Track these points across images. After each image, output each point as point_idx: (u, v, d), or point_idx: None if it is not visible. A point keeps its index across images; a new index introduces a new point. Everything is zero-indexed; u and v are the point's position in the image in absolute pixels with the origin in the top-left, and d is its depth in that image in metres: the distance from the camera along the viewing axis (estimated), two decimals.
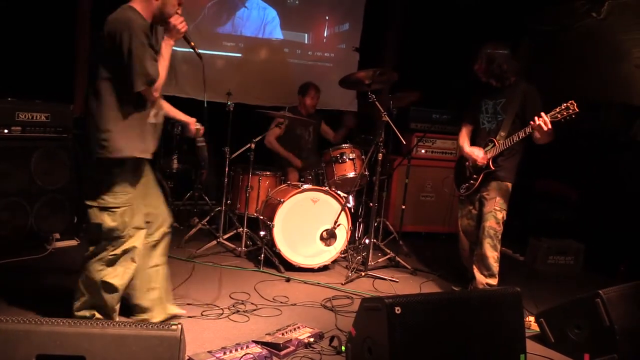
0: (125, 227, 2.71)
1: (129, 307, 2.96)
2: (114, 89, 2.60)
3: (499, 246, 3.62)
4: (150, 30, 2.68)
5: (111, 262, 2.72)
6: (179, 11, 2.74)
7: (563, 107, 3.21)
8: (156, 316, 2.96)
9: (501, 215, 3.59)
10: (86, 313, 2.75)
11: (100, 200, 2.68)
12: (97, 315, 2.76)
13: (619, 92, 5.25)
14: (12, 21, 4.71)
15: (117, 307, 2.81)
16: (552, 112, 3.26)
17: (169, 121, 5.32)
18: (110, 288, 2.73)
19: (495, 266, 3.60)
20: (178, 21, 2.71)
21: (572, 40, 5.73)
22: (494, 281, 3.62)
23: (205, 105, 3.31)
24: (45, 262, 3.78)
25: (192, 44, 2.95)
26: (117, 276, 2.74)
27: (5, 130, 3.72)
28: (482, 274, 3.65)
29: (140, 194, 2.83)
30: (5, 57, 4.68)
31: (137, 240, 2.78)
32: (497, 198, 3.60)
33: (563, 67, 5.84)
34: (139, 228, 2.79)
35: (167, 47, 2.73)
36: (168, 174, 5.31)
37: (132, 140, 2.67)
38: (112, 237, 2.70)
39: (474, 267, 3.69)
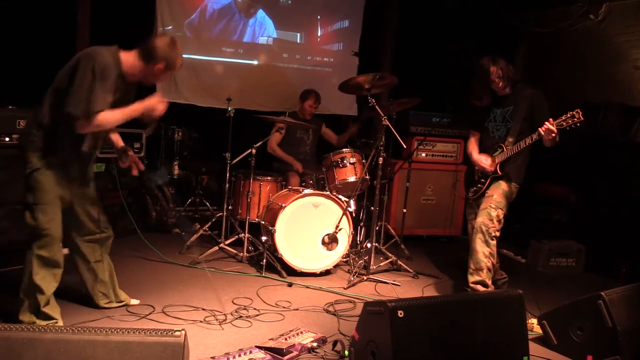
0: (45, 225, 2.76)
1: (88, 297, 3.16)
2: (58, 106, 2.70)
3: (491, 242, 3.63)
4: (122, 79, 2.80)
5: (38, 263, 2.78)
6: (166, 79, 2.94)
7: (569, 115, 3.29)
8: (105, 302, 3.17)
9: (496, 213, 3.62)
10: (25, 318, 2.80)
11: (26, 199, 2.77)
12: (36, 320, 2.82)
13: (617, 93, 5.27)
14: (10, 29, 4.74)
15: (54, 311, 2.87)
16: (558, 120, 3.34)
17: (169, 127, 5.40)
18: (38, 289, 2.79)
19: (484, 262, 3.62)
20: (158, 108, 2.85)
21: (570, 42, 5.75)
22: (481, 277, 3.63)
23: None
24: None
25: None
26: (44, 278, 2.79)
27: (7, 139, 3.73)
28: (469, 267, 3.69)
29: (73, 195, 2.91)
30: (4, 65, 4.70)
31: (56, 245, 2.83)
32: (495, 196, 3.65)
33: (561, 69, 5.86)
34: (60, 232, 2.84)
35: (134, 110, 2.81)
36: (169, 180, 5.33)
37: (56, 147, 2.76)
38: (35, 234, 2.77)
39: None
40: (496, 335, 2.54)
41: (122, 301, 3.25)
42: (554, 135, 3.34)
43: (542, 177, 5.54)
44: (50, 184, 2.78)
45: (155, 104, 2.86)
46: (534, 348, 3.03)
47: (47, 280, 2.82)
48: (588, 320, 2.96)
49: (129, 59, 2.82)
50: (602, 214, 5.00)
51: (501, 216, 3.64)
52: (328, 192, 4.29)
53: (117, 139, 3.18)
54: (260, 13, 5.85)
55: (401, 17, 6.24)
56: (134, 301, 3.31)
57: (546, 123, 3.37)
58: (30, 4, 4.79)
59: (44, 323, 2.80)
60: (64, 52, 4.94)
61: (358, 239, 4.73)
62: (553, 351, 3.11)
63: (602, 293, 2.91)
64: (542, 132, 3.37)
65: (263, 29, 5.88)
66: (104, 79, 2.67)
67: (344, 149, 4.59)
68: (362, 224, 4.78)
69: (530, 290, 3.87)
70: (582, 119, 3.23)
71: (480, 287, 3.62)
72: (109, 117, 2.73)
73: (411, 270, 4.40)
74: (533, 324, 3.33)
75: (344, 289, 3.92)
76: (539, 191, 5.59)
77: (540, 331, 3.24)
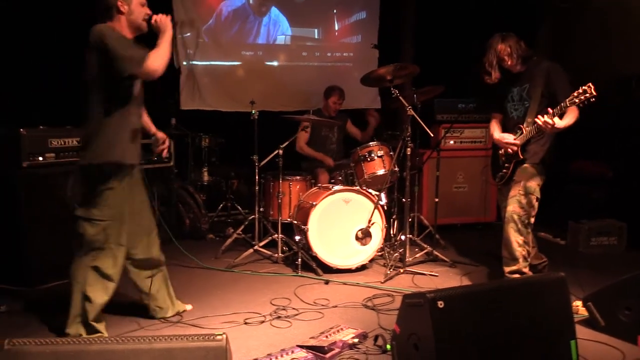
0: (107, 240, 2.82)
1: (145, 307, 3.20)
2: (100, 99, 2.77)
3: (524, 230, 3.53)
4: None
5: (92, 275, 2.83)
6: (148, 11, 2.87)
7: (581, 91, 3.11)
8: (164, 313, 3.21)
9: (526, 199, 3.51)
10: (72, 331, 2.84)
11: (86, 211, 2.80)
12: (83, 333, 2.85)
13: None
14: (38, 52, 4.86)
15: (100, 325, 2.90)
16: (570, 97, 3.18)
17: (196, 135, 5.45)
18: (89, 299, 2.83)
19: (519, 250, 3.53)
20: (157, 19, 2.82)
21: (595, 14, 5.59)
22: (517, 266, 3.55)
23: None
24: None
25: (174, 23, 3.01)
26: (96, 290, 2.84)
27: (40, 158, 3.81)
28: (504, 257, 3.61)
29: (128, 210, 2.93)
30: (33, 86, 4.82)
31: (119, 256, 2.89)
32: (522, 182, 3.53)
33: (588, 43, 5.70)
34: (120, 245, 2.89)
35: (163, 40, 2.80)
36: (199, 186, 5.39)
37: (112, 146, 2.81)
38: (93, 248, 2.81)
39: None
40: (540, 321, 2.48)
41: (178, 310, 3.28)
42: (550, 127, 3.22)
43: (577, 155, 5.42)
44: (118, 201, 2.85)
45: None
46: (581, 331, 2.95)
47: (99, 293, 2.86)
48: (635, 299, 2.87)
49: (113, 24, 2.81)
50: None
51: (533, 201, 3.53)
52: (358, 187, 4.27)
53: (148, 124, 3.22)
54: (274, 11, 5.86)
55: (418, 5, 6.17)
56: (187, 307, 3.35)
57: (538, 117, 3.25)
58: (58, 29, 4.91)
59: (91, 336, 2.85)
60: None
61: (392, 232, 4.70)
62: (601, 333, 3.02)
63: None
64: (539, 124, 3.26)
65: (277, 27, 5.89)
66: (119, 37, 2.75)
67: (370, 143, 4.56)
68: (394, 216, 4.74)
69: (573, 272, 3.77)
70: (594, 93, 3.05)
71: (517, 276, 3.54)
72: (158, 56, 2.73)
73: (448, 260, 4.35)
74: (578, 306, 3.24)
75: (381, 283, 3.90)
76: (575, 170, 5.47)
77: (586, 313, 3.15)
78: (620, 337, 2.94)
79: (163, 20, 2.83)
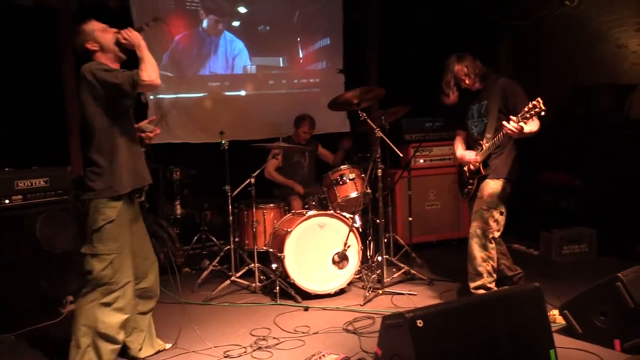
0: (114, 274, 2.80)
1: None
2: (96, 133, 2.80)
3: (489, 245, 3.57)
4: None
5: (103, 311, 2.80)
6: (113, 30, 2.91)
7: (531, 106, 3.18)
8: (144, 353, 3.13)
9: (489, 214, 3.55)
10: None
11: (92, 247, 2.79)
12: None
13: (605, 73, 5.30)
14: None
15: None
16: (522, 113, 3.24)
17: (167, 168, 5.41)
18: (107, 337, 2.81)
19: (483, 266, 3.57)
20: (121, 36, 2.87)
21: (552, 31, 5.80)
22: (481, 281, 3.58)
23: None
24: (62, 325, 3.75)
25: (150, 23, 3.06)
26: (110, 326, 2.81)
27: (7, 201, 3.73)
28: (469, 273, 3.64)
29: (132, 242, 2.94)
30: None
31: (127, 290, 2.88)
32: (484, 197, 3.59)
33: (547, 58, 5.90)
34: (128, 279, 2.89)
35: (141, 53, 2.84)
36: (172, 220, 5.33)
37: (116, 179, 2.83)
38: (101, 283, 2.79)
39: None
40: (519, 332, 2.51)
41: (157, 350, 3.22)
42: (516, 131, 3.25)
43: (545, 166, 5.54)
44: (121, 233, 2.85)
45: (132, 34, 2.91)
46: (560, 339, 2.99)
47: (116, 329, 2.83)
48: (610, 304, 2.93)
49: (97, 59, 2.88)
50: (609, 195, 4.98)
51: (497, 216, 3.57)
52: (332, 211, 4.28)
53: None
54: (229, 35, 5.90)
55: (381, 29, 6.30)
56: (167, 345, 3.29)
57: (504, 124, 3.30)
58: (18, 73, 4.87)
59: None
60: (53, 108, 5.06)
61: (368, 254, 4.70)
62: (579, 340, 3.07)
63: (619, 275, 2.88)
64: (506, 130, 3.30)
65: (233, 46, 5.91)
66: (110, 67, 2.83)
67: (341, 166, 4.59)
68: (370, 238, 4.76)
69: (548, 281, 3.84)
70: (543, 107, 3.11)
71: (481, 292, 3.57)
72: (147, 68, 2.78)
73: (425, 278, 4.37)
74: (555, 315, 3.29)
75: (361, 305, 3.89)
76: (544, 180, 5.58)
77: (564, 322, 3.20)
78: (597, 342, 2.99)
79: (129, 35, 2.86)
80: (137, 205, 3.07)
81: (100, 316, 2.79)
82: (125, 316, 2.89)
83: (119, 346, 2.89)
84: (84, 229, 2.86)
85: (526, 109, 3.21)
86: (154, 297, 3.16)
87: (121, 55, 2.92)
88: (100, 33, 2.88)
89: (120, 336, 2.88)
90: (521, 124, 3.25)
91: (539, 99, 3.16)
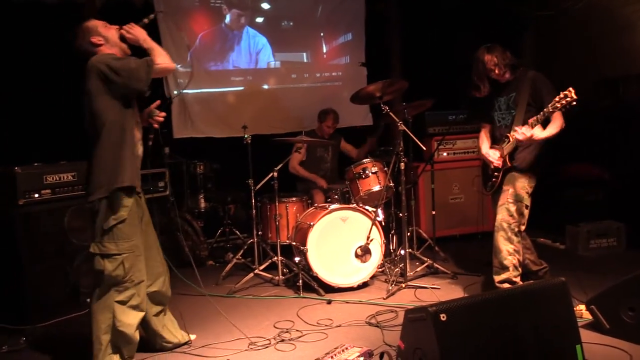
0: (126, 273, 2.80)
1: (147, 340, 3.14)
2: (101, 127, 2.77)
3: (515, 238, 3.54)
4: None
5: (118, 309, 2.81)
6: (116, 27, 2.93)
7: (562, 96, 3.18)
8: (171, 345, 3.18)
9: (515, 207, 3.53)
10: None
11: (102, 247, 2.78)
12: None
13: (634, 64, 5.17)
14: (27, 88, 4.90)
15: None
16: (552, 102, 3.25)
17: (190, 162, 5.47)
18: (125, 336, 2.82)
19: (509, 259, 3.54)
20: (125, 31, 2.91)
21: (577, 21, 5.68)
22: (507, 275, 3.55)
23: None
24: (90, 317, 3.83)
25: (151, 17, 3.09)
26: (128, 325, 2.82)
27: (36, 195, 3.82)
28: (494, 266, 3.61)
29: (142, 242, 2.94)
30: (27, 125, 4.85)
31: (141, 289, 2.89)
32: (511, 190, 3.56)
33: (573, 49, 5.78)
34: (140, 278, 2.89)
35: (147, 44, 2.90)
36: (197, 213, 5.39)
37: (118, 172, 2.79)
38: (113, 283, 2.79)
39: None
40: (544, 328, 2.48)
41: (182, 341, 3.24)
42: (527, 138, 3.31)
43: (572, 158, 5.45)
44: (131, 232, 2.84)
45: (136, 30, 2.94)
46: (586, 335, 2.95)
47: (133, 327, 2.85)
48: (638, 299, 2.87)
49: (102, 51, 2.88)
50: (637, 188, 4.87)
51: (522, 209, 3.55)
52: (354, 205, 4.28)
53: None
54: (251, 30, 5.91)
55: (404, 21, 6.25)
56: (192, 336, 3.32)
57: (512, 133, 3.35)
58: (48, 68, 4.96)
59: None
60: (77, 108, 5.14)
61: (391, 247, 4.70)
62: (606, 336, 3.02)
63: None
64: (520, 140, 3.36)
65: (257, 40, 5.93)
66: (119, 56, 2.86)
67: (364, 160, 4.58)
68: (393, 231, 4.75)
69: (574, 276, 3.79)
70: (575, 97, 3.12)
71: (506, 286, 3.54)
72: (157, 55, 2.84)
73: (449, 272, 4.34)
74: (582, 310, 3.24)
75: (384, 299, 3.89)
76: (570, 174, 5.49)
77: (590, 317, 3.15)
78: (625, 338, 2.94)
79: (131, 30, 2.91)
80: (144, 205, 3.06)
81: (117, 314, 2.80)
82: (141, 314, 2.90)
83: (136, 343, 2.91)
84: (93, 228, 2.84)
85: (557, 99, 3.20)
86: (164, 301, 3.15)
87: (127, 50, 2.95)
88: (103, 29, 2.90)
89: (137, 333, 2.89)
90: (536, 129, 3.27)
91: (570, 88, 3.14)
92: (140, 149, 2.99)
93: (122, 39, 2.92)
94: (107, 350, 2.81)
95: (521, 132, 3.35)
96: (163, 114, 3.18)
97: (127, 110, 2.86)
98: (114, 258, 2.78)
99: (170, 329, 3.20)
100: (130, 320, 2.84)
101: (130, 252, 2.81)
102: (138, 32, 2.90)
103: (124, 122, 2.84)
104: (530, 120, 3.37)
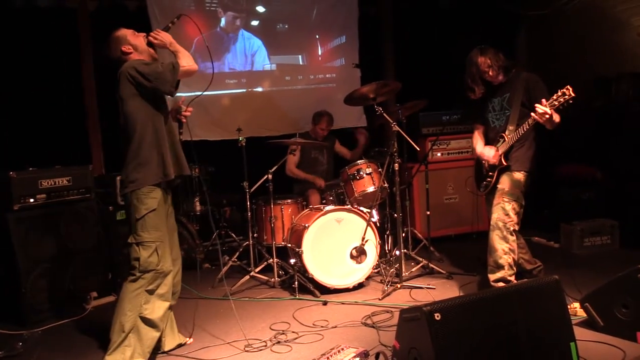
0: (159, 261, 2.95)
1: None
2: (136, 124, 2.95)
3: (510, 237, 3.55)
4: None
5: (146, 296, 2.93)
6: (142, 35, 3.10)
7: (560, 94, 3.20)
8: (167, 346, 3.21)
9: (510, 206, 3.54)
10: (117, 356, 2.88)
11: (137, 236, 2.94)
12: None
13: (626, 62, 5.20)
14: (21, 93, 4.90)
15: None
16: (550, 100, 3.26)
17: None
18: (149, 322, 2.93)
19: (504, 258, 3.55)
20: (152, 37, 3.09)
21: (570, 20, 5.72)
22: (502, 274, 3.56)
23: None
24: (86, 321, 3.84)
25: (175, 21, 3.23)
26: (153, 311, 2.94)
27: (31, 200, 3.82)
28: (489, 265, 3.63)
29: (166, 232, 3.07)
30: (21, 129, 4.85)
31: (169, 278, 3.03)
32: (506, 189, 3.58)
33: (566, 48, 5.82)
34: (170, 266, 3.02)
35: (173, 48, 3.07)
36: (192, 216, 5.38)
37: (162, 167, 2.98)
38: (148, 270, 2.92)
39: None
40: (538, 326, 2.49)
41: (178, 343, 3.28)
42: (547, 116, 3.26)
43: (565, 158, 5.48)
44: (161, 222, 3.00)
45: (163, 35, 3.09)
46: (581, 333, 2.97)
47: (159, 316, 2.96)
48: (631, 296, 2.89)
49: (136, 57, 3.05)
50: (630, 186, 4.90)
51: (517, 208, 3.57)
52: (349, 206, 4.29)
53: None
54: (246, 32, 5.92)
55: (396, 22, 6.28)
56: (188, 340, 3.34)
57: (537, 105, 3.30)
58: (40, 75, 4.97)
59: None
60: (73, 108, 5.15)
61: (386, 248, 4.71)
62: (601, 333, 3.03)
63: None
64: (536, 116, 3.30)
65: (252, 43, 5.93)
66: (148, 62, 3.04)
67: (358, 161, 4.59)
68: (388, 232, 4.76)
69: (569, 274, 3.81)
70: (573, 95, 3.14)
71: (501, 285, 3.55)
72: (183, 58, 3.01)
73: (444, 272, 4.36)
74: (576, 308, 3.26)
75: (379, 299, 3.90)
76: (563, 173, 5.52)
77: (585, 314, 3.17)
78: (619, 335, 2.95)
79: (158, 35, 3.07)
80: (170, 202, 3.18)
81: (145, 302, 2.92)
82: (168, 303, 3.03)
83: (159, 333, 3.01)
84: (129, 222, 3.00)
85: (555, 97, 3.22)
86: (176, 293, 3.22)
87: (155, 55, 3.12)
88: (132, 37, 3.07)
89: (162, 324, 3.01)
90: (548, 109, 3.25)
91: (568, 86, 3.17)
92: (178, 138, 3.27)
93: (149, 44, 3.09)
94: (127, 339, 2.88)
95: (543, 108, 3.26)
96: (190, 109, 3.40)
97: (157, 110, 3.03)
98: (148, 245, 2.94)
99: (168, 330, 3.21)
100: (156, 306, 2.95)
101: (160, 240, 2.97)
102: (165, 37, 3.07)
103: (155, 121, 3.01)
104: (546, 102, 3.35)
